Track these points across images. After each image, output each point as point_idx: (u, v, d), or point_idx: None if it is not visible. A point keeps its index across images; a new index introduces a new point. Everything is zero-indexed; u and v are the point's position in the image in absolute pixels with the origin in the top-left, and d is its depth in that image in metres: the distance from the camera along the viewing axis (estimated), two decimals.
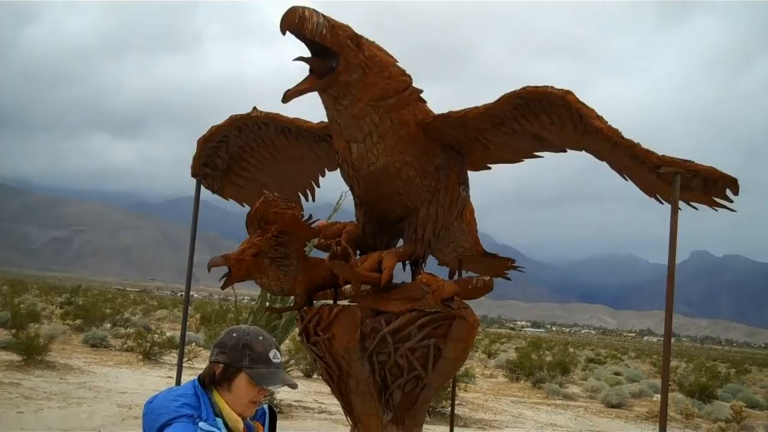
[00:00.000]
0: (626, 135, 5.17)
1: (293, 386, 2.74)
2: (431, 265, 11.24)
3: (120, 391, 16.29)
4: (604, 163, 5.81)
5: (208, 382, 2.61)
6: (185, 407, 2.50)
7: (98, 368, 20.78)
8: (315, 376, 23.44)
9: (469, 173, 8.64)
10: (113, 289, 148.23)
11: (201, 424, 2.41)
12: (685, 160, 5.32)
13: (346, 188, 8.98)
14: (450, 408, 13.91)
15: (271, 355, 2.58)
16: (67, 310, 40.44)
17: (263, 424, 2.74)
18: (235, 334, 2.62)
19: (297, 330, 12.23)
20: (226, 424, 2.53)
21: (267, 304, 15.35)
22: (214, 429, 2.43)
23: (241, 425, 2.56)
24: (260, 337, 2.60)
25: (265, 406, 2.78)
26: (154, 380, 19.04)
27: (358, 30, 5.46)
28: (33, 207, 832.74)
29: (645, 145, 5.23)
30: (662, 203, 5.78)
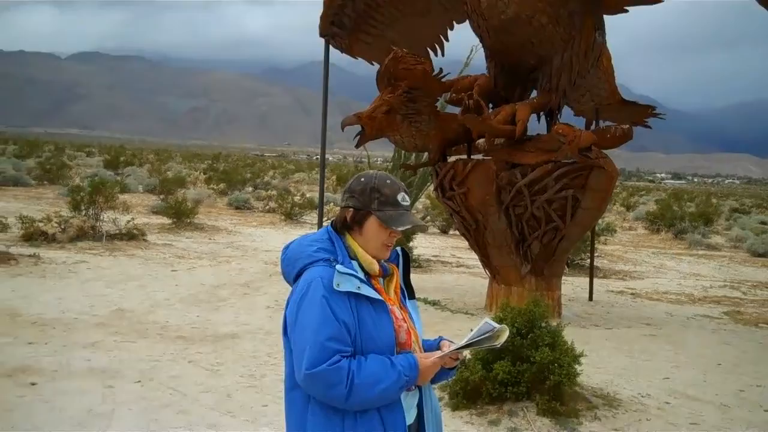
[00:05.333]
0: None
1: (423, 228, 2.74)
2: (567, 115, 10.96)
3: (265, 249, 16.99)
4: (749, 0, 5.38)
5: (340, 227, 2.64)
6: (321, 251, 2.56)
7: (244, 229, 21.73)
8: (451, 232, 23.74)
9: (605, 17, 8.22)
10: (252, 155, 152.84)
11: (338, 267, 2.46)
12: None
13: (476, 42, 8.73)
14: (589, 260, 13.87)
15: (399, 197, 2.58)
16: (210, 176, 42.00)
17: (397, 266, 2.76)
18: (363, 179, 2.61)
19: (432, 186, 12.36)
20: (361, 267, 2.57)
21: (401, 161, 15.48)
22: (350, 271, 2.47)
23: (376, 266, 2.59)
24: (388, 181, 2.60)
25: (398, 249, 2.79)
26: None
27: None
28: (170, 79, 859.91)
29: None
30: None
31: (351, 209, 2.58)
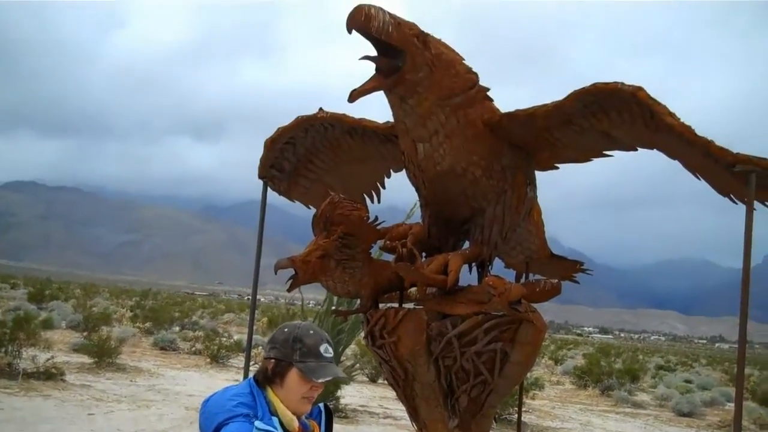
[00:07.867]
0: (707, 134, 5.01)
1: (345, 380, 2.71)
2: (498, 267, 11.10)
3: (188, 393, 16.51)
4: (677, 163, 5.65)
5: (262, 379, 2.60)
6: (241, 406, 2.50)
7: (167, 371, 21.13)
8: (380, 381, 23.45)
9: (537, 173, 8.51)
10: (182, 293, 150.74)
11: (257, 423, 2.40)
12: (761, 158, 5.13)
13: (414, 192, 8.91)
14: (517, 415, 13.74)
15: (322, 349, 2.55)
16: (136, 314, 41.21)
17: (319, 424, 2.70)
18: (286, 329, 2.60)
19: (362, 333, 12.24)
20: (282, 423, 2.51)
21: (333, 307, 15.39)
22: (269, 428, 2.41)
23: (295, 423, 2.53)
24: (311, 331, 2.58)
25: (321, 405, 2.75)
26: (221, 383, 19.22)
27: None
28: (105, 212, 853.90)
29: (719, 143, 5.07)
30: (736, 203, 5.59)
31: (273, 360, 2.54)
